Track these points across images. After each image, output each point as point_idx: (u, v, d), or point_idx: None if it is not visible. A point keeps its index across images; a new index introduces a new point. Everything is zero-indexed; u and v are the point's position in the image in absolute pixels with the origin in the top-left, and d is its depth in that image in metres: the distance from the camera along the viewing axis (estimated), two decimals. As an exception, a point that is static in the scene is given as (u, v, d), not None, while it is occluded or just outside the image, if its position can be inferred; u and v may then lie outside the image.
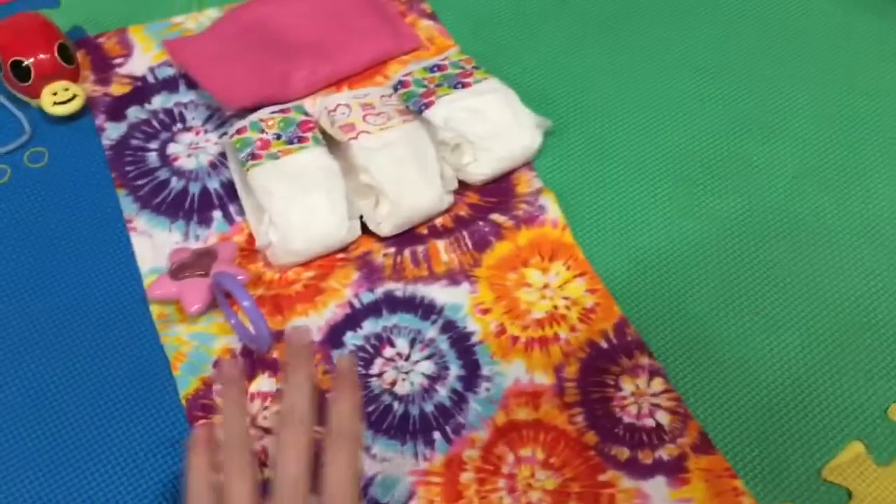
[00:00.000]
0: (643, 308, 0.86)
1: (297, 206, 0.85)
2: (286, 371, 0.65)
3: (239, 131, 0.91)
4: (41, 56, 0.94)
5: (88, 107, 0.98)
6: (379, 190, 0.87)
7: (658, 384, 0.81)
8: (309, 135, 0.90)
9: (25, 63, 0.94)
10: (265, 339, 0.79)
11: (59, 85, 0.95)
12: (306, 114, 0.93)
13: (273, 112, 0.92)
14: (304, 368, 0.65)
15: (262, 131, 0.90)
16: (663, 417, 0.79)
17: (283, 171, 0.87)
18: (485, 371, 0.82)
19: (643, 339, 0.84)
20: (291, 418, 0.61)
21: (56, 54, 0.95)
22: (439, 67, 0.98)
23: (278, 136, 0.90)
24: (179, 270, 0.84)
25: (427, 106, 0.93)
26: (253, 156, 0.88)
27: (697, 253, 0.90)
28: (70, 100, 0.95)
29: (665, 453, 0.77)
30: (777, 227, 0.92)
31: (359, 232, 0.88)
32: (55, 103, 0.94)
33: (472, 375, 0.82)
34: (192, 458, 0.61)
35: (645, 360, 0.82)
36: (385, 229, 0.88)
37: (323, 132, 0.92)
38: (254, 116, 0.92)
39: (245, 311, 0.77)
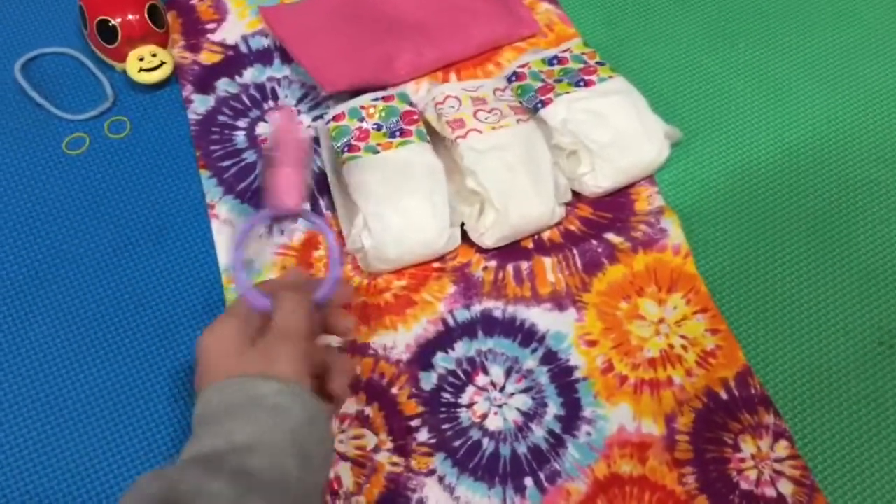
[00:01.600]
0: (772, 358, 0.76)
1: (395, 208, 0.77)
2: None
3: (336, 118, 0.83)
4: (130, 17, 0.87)
5: (176, 75, 0.91)
6: (485, 197, 0.79)
7: (783, 448, 0.71)
8: (413, 128, 0.81)
9: (113, 23, 0.87)
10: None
11: (146, 49, 0.88)
12: (411, 103, 0.84)
13: (375, 99, 0.84)
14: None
15: (362, 119, 0.82)
16: (786, 487, 0.70)
17: (382, 168, 0.79)
18: (587, 413, 0.73)
19: (769, 393, 0.74)
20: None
21: (146, 16, 0.88)
22: (559, 60, 0.88)
23: (378, 127, 0.81)
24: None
25: (544, 104, 0.84)
26: (350, 147, 0.80)
27: (840, 299, 0.80)
28: (157, 67, 0.87)
29: (788, 533, 0.68)
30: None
31: (458, 241, 0.80)
32: (141, 70, 0.87)
33: (572, 416, 0.73)
34: None
35: (769, 419, 0.73)
36: (488, 241, 0.79)
37: (428, 125, 0.84)
38: (354, 102, 0.84)
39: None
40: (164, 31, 0.90)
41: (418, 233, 0.77)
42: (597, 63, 0.87)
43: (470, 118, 0.81)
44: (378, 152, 0.79)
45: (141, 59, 0.87)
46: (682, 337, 0.77)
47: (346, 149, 0.80)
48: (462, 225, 0.80)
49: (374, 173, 0.78)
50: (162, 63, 0.88)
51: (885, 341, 0.78)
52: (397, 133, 0.81)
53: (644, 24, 0.97)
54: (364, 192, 0.78)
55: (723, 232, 0.83)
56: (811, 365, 0.76)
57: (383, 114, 0.82)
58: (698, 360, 0.76)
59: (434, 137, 0.83)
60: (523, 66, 0.88)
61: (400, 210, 0.77)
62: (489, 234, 0.79)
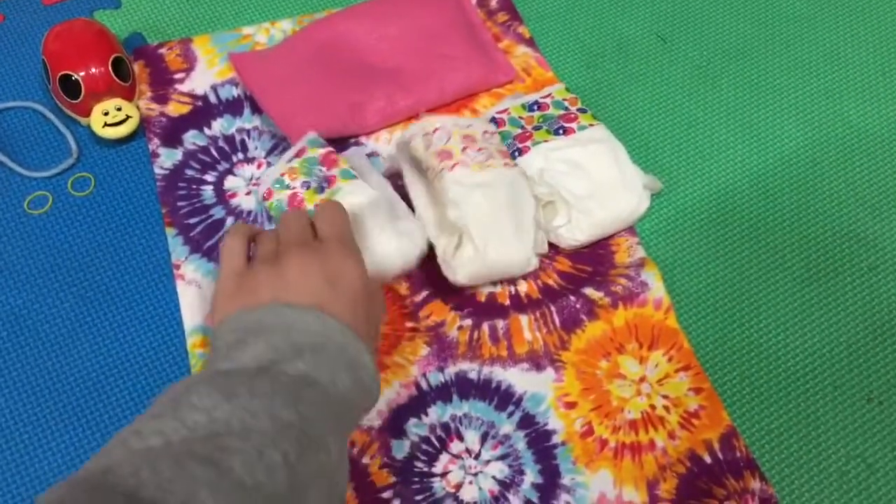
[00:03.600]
0: (757, 417, 0.74)
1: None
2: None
3: (265, 197, 0.81)
4: (93, 70, 0.85)
5: (142, 128, 0.88)
6: (465, 231, 0.76)
7: (770, 515, 0.69)
8: (335, 171, 0.79)
9: (76, 77, 0.84)
10: None
11: (111, 103, 0.85)
12: (322, 144, 0.82)
13: (289, 161, 0.81)
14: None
15: (288, 186, 0.80)
16: (774, 557, 0.67)
17: None
18: (566, 480, 0.70)
19: (754, 456, 0.71)
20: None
21: (110, 69, 0.85)
22: (540, 106, 0.86)
23: (307, 185, 0.79)
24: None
25: (521, 152, 0.82)
26: None
27: (827, 353, 0.77)
28: (123, 121, 0.85)
29: None
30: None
31: (422, 245, 0.78)
32: (106, 125, 0.85)
33: (550, 484, 0.70)
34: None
35: (755, 484, 0.70)
36: (461, 276, 0.76)
37: (412, 156, 0.81)
38: (272, 172, 0.81)
39: None
40: (130, 84, 0.88)
41: (383, 259, 0.75)
42: (578, 110, 0.85)
43: (458, 152, 0.78)
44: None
45: (106, 114, 0.85)
46: (665, 397, 0.74)
47: None
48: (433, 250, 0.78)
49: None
50: (127, 117, 0.85)
51: (874, 397, 0.75)
52: (325, 184, 0.78)
53: (624, 67, 0.95)
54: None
55: (706, 284, 0.81)
56: (798, 424, 0.74)
57: (304, 168, 0.80)
58: (681, 421, 0.73)
59: (415, 173, 0.81)
60: (502, 111, 0.86)
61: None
62: (464, 269, 0.76)
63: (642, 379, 0.75)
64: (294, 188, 0.79)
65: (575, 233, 0.79)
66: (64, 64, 0.85)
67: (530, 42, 0.96)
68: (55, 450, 0.71)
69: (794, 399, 0.75)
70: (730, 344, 0.77)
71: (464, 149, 0.79)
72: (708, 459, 0.71)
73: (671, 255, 0.82)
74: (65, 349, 0.76)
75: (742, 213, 0.85)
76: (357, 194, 0.77)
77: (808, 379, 0.76)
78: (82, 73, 0.84)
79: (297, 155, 0.80)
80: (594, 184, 0.80)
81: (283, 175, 0.80)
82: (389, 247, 0.76)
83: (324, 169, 0.79)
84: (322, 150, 0.80)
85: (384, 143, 0.88)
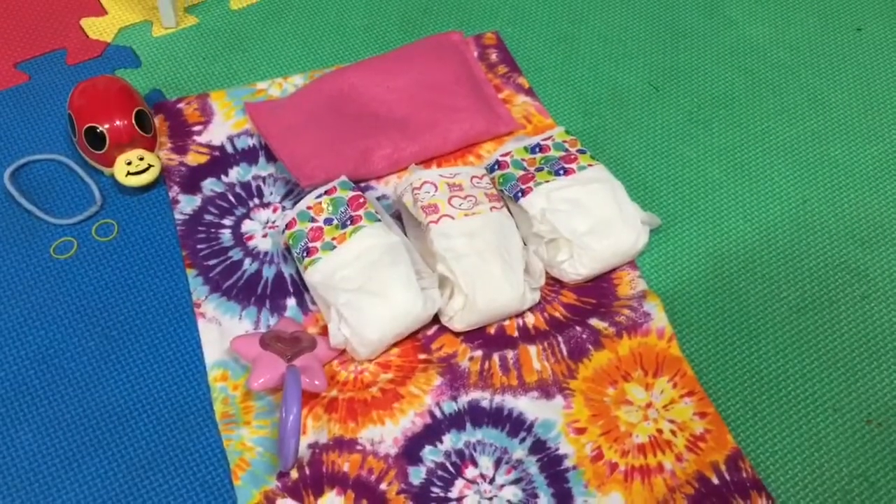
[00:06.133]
0: (762, 440, 0.76)
1: (365, 292, 0.78)
2: None
3: (289, 226, 0.84)
4: (117, 123, 0.89)
5: (163, 177, 0.92)
6: (454, 282, 0.80)
7: (778, 533, 0.71)
8: (361, 212, 0.83)
9: (101, 129, 0.89)
10: (287, 459, 0.71)
11: (133, 154, 0.90)
12: (353, 188, 0.86)
13: (318, 196, 0.85)
14: None
15: (312, 220, 0.83)
16: (783, 573, 0.69)
17: (343, 264, 0.80)
18: (578, 503, 0.72)
19: (760, 476, 0.74)
20: None
21: (133, 122, 0.90)
22: (541, 148, 0.90)
23: (329, 221, 0.83)
24: (272, 340, 0.77)
25: (524, 193, 0.86)
26: (308, 251, 0.81)
27: (826, 378, 0.80)
28: (145, 170, 0.89)
29: None
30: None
31: (437, 302, 0.80)
32: (129, 173, 0.89)
33: (563, 507, 0.72)
34: None
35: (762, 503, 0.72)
36: (457, 325, 0.80)
37: (405, 210, 0.85)
38: (300, 205, 0.85)
39: (281, 422, 0.70)
40: (152, 136, 0.92)
41: (394, 307, 0.78)
42: (578, 151, 0.89)
43: (444, 204, 0.83)
44: (334, 247, 0.80)
45: (129, 164, 0.89)
46: (671, 421, 0.77)
47: (304, 254, 0.81)
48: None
49: (338, 271, 0.79)
50: (149, 166, 0.89)
51: (874, 419, 0.78)
52: (348, 222, 0.82)
53: (619, 114, 1.00)
54: (332, 289, 0.79)
55: (706, 314, 0.84)
56: (801, 445, 0.76)
57: (331, 207, 0.84)
58: (688, 444, 0.75)
59: (411, 221, 0.85)
60: (505, 154, 0.90)
61: (370, 292, 0.78)
62: (458, 318, 0.80)
63: (649, 405, 0.78)
64: (317, 222, 0.82)
65: (577, 267, 0.83)
66: (90, 117, 0.89)
67: (529, 91, 1.01)
68: (82, 482, 0.73)
69: (797, 422, 0.77)
70: (731, 371, 0.80)
71: (450, 199, 0.84)
72: (715, 481, 0.73)
73: (672, 287, 0.86)
74: (91, 386, 0.79)
75: (738, 247, 0.89)
76: (378, 237, 0.81)
77: (809, 402, 0.78)
78: (107, 126, 0.89)
79: (327, 193, 0.84)
80: (594, 220, 0.84)
81: (309, 208, 0.83)
82: (415, 306, 0.78)
83: (350, 209, 0.83)
84: (351, 192, 0.84)
85: (393, 187, 0.92)
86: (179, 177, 0.93)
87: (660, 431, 0.76)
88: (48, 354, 0.80)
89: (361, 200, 0.84)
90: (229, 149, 0.95)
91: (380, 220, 0.82)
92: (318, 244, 0.81)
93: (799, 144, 0.97)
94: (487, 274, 0.80)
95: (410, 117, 0.96)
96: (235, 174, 0.93)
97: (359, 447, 0.75)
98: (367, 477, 0.73)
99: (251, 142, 0.96)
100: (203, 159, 0.94)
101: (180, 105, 0.99)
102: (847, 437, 0.77)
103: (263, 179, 0.93)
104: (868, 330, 0.83)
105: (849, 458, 0.75)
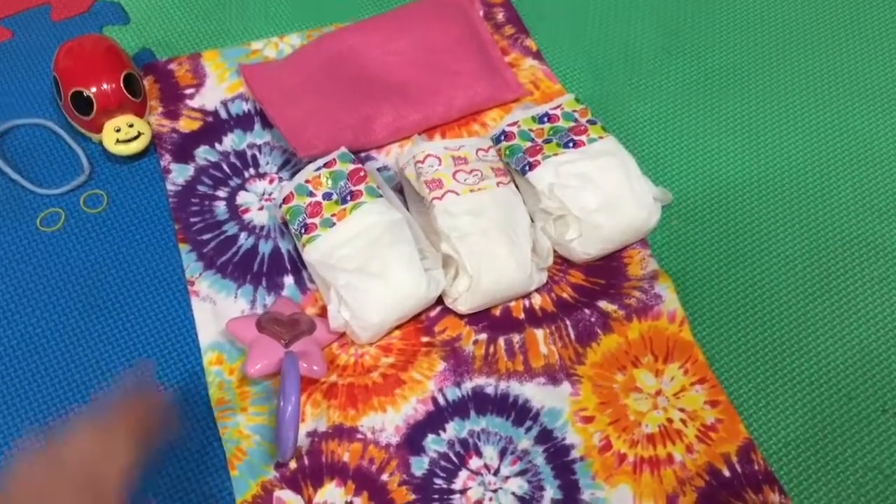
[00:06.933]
0: (774, 430, 0.74)
1: (367, 274, 0.74)
2: None
3: (286, 200, 0.80)
4: (105, 87, 0.85)
5: (154, 144, 0.88)
6: (458, 262, 0.76)
7: (790, 528, 0.69)
8: (361, 187, 0.79)
9: (87, 94, 0.84)
10: (285, 450, 0.68)
11: (122, 120, 0.85)
12: (353, 161, 0.81)
13: (317, 169, 0.80)
14: None
15: (311, 194, 0.79)
16: (794, 569, 0.67)
17: (343, 242, 0.76)
18: (585, 495, 0.70)
19: (773, 468, 0.72)
20: None
21: (122, 85, 0.85)
22: (550, 118, 0.86)
23: (329, 196, 0.79)
24: (269, 323, 0.74)
25: (531, 166, 0.82)
26: (306, 227, 0.77)
27: (841, 365, 0.77)
28: (134, 138, 0.85)
29: None
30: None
31: (442, 283, 0.77)
32: (118, 141, 0.84)
33: (570, 500, 0.70)
34: None
35: (775, 498, 0.70)
36: (461, 307, 0.77)
37: (407, 182, 0.81)
38: (298, 178, 0.80)
39: (279, 412, 0.67)
40: (141, 100, 0.88)
41: (396, 289, 0.74)
42: (588, 121, 0.85)
43: (449, 178, 0.79)
44: (334, 224, 0.77)
45: (117, 130, 0.85)
46: (681, 410, 0.74)
47: (303, 230, 0.77)
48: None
49: (338, 249, 0.76)
50: (139, 134, 0.85)
51: (889, 408, 0.75)
52: (348, 197, 0.78)
53: (631, 78, 0.96)
54: (332, 269, 0.75)
55: (718, 295, 0.81)
56: (815, 436, 0.74)
57: (330, 181, 0.80)
58: (699, 434, 0.73)
59: (414, 195, 0.81)
60: (512, 124, 0.86)
61: (371, 273, 0.74)
62: (462, 299, 0.77)
63: (658, 392, 0.75)
64: (316, 196, 0.78)
65: (586, 246, 0.80)
66: (76, 81, 0.85)
67: (537, 55, 0.96)
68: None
69: (810, 411, 0.75)
70: (744, 356, 0.78)
71: (454, 173, 0.79)
72: (727, 473, 0.71)
73: (683, 267, 0.83)
74: (79, 366, 0.76)
75: (753, 224, 0.85)
76: (379, 214, 0.77)
77: (823, 390, 0.76)
78: (94, 90, 0.84)
79: (326, 166, 0.80)
80: (604, 196, 0.80)
81: (307, 182, 0.79)
82: (418, 288, 0.75)
83: (350, 183, 0.79)
84: (352, 166, 0.80)
85: (394, 157, 0.88)
86: (171, 144, 0.88)
87: (670, 421, 0.74)
88: (34, 332, 0.77)
89: (362, 174, 0.80)
90: (223, 114, 0.91)
91: (381, 195, 0.78)
92: (316, 220, 0.77)
93: (817, 114, 0.93)
94: (493, 254, 0.76)
95: (412, 82, 0.91)
96: (230, 142, 0.89)
97: (359, 436, 0.72)
98: (367, 467, 0.71)
99: (246, 107, 0.91)
100: (196, 125, 0.90)
101: (171, 66, 0.94)
102: (861, 427, 0.75)
103: (259, 148, 0.89)
104: (886, 314, 0.80)
105: (864, 450, 0.73)
